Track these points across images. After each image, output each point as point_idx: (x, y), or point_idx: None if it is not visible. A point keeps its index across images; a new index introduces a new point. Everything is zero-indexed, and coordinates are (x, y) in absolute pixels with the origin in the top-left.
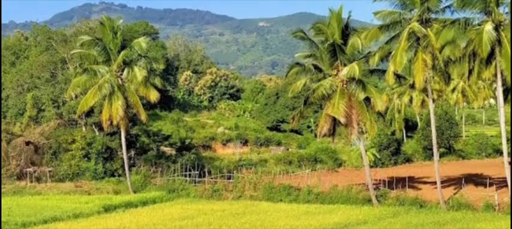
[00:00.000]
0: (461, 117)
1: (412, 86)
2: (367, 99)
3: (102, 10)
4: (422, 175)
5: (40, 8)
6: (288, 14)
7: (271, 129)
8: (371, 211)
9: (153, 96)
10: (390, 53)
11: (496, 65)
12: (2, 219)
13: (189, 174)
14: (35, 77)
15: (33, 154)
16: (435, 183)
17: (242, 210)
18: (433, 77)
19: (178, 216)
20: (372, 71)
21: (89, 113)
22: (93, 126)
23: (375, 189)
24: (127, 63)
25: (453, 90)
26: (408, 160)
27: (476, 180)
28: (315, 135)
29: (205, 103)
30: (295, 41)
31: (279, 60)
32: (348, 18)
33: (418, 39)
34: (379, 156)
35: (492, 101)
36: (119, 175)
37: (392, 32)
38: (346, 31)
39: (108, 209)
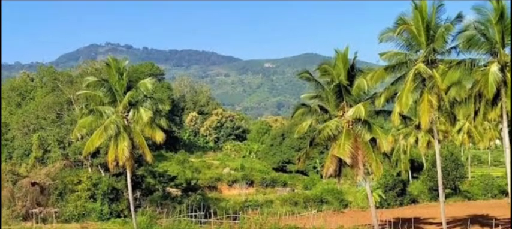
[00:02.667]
0: (467, 158)
1: (418, 127)
2: (373, 140)
3: (107, 51)
4: (428, 216)
5: (46, 49)
6: (293, 55)
7: (277, 170)
8: None
9: (159, 137)
10: (396, 93)
11: (501, 106)
12: None
13: (195, 215)
14: (41, 118)
15: (39, 195)
16: (441, 224)
17: None
18: (439, 118)
19: None
20: (377, 112)
21: (95, 153)
22: (99, 167)
23: None
24: (133, 104)
25: (459, 131)
26: (414, 201)
27: (482, 221)
28: (321, 176)
29: (211, 144)
30: (301, 82)
31: (285, 101)
32: (354, 59)
33: (423, 80)
34: (385, 197)
35: (498, 142)
36: (125, 216)
37: (398, 73)
38: (352, 72)
39: None
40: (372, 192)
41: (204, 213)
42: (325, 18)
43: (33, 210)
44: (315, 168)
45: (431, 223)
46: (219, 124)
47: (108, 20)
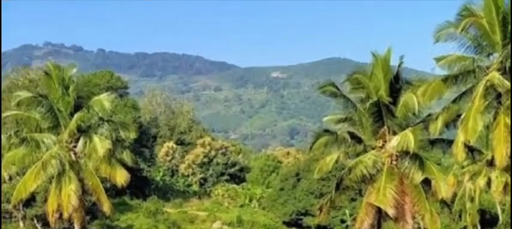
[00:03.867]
0: None
1: (491, 163)
2: (427, 182)
3: (47, 55)
4: None
5: None
6: (312, 61)
7: (289, 224)
8: None
9: (121, 177)
10: (459, 115)
11: None
12: None
13: None
14: None
15: None
16: None
17: None
18: None
19: None
20: (433, 142)
21: (29, 201)
22: (35, 220)
23: None
24: (83, 131)
25: None
26: None
27: None
28: None
29: (195, 187)
30: (323, 98)
31: (301, 125)
32: (399, 66)
33: (499, 96)
34: None
35: None
36: None
37: (462, 85)
38: (396, 84)
39: None
40: None
41: None
42: (356, 9)
43: None
44: (343, 222)
45: None
46: (206, 160)
47: (49, 12)
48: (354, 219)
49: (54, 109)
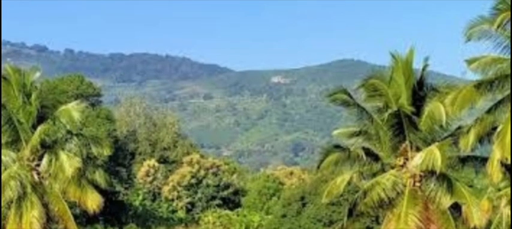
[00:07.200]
0: None
1: None
2: (456, 208)
3: (5, 56)
4: None
5: None
6: (320, 63)
7: None
8: None
9: (92, 201)
10: (495, 128)
11: None
12: None
13: None
14: None
15: None
16: None
17: None
18: None
19: None
20: (463, 160)
21: None
22: None
23: None
24: (48, 147)
25: None
26: None
27: None
28: None
29: (181, 214)
30: (334, 108)
31: (306, 140)
32: (424, 69)
33: None
34: None
35: None
36: None
37: (498, 93)
38: (420, 92)
39: None
40: None
41: None
42: (372, 3)
43: None
44: None
45: None
46: (194, 181)
47: (6, 5)
48: None
49: (13, 121)
